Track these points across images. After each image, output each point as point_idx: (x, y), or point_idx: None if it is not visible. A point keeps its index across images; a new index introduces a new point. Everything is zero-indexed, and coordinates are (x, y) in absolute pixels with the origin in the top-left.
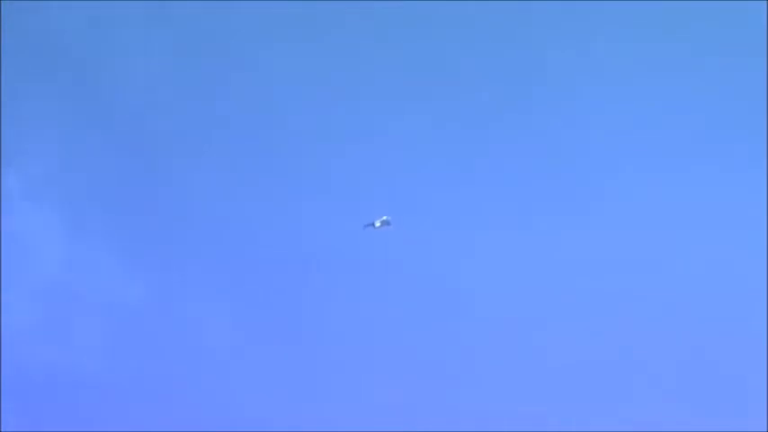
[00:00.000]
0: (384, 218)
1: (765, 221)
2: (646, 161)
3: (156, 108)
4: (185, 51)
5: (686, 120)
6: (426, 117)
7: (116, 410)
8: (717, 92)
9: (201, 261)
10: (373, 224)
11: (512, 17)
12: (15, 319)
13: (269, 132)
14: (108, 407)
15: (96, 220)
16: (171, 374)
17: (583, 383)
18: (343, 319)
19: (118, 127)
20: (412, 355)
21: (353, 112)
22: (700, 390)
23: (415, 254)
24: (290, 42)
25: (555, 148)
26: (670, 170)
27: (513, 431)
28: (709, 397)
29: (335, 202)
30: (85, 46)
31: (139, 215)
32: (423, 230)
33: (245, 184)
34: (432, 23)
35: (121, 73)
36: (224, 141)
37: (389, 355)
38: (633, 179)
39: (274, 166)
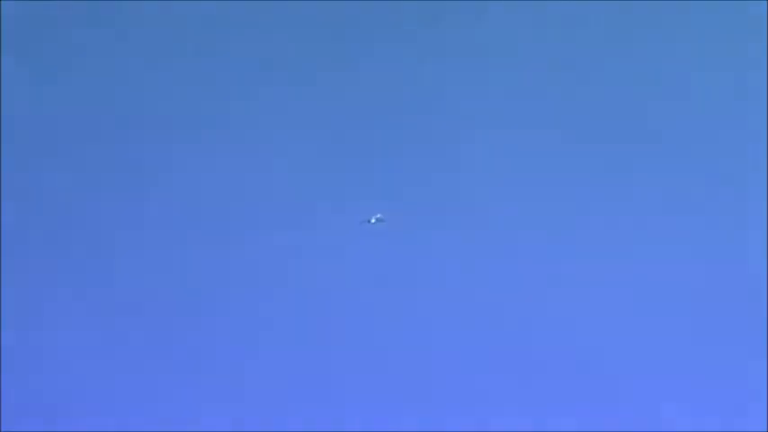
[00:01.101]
0: (378, 215)
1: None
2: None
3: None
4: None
5: (686, 120)
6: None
7: None
8: (716, 92)
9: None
10: (369, 221)
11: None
12: None
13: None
14: None
15: None
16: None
17: (581, 383)
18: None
19: None
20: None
21: None
22: (699, 389)
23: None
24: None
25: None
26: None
27: (508, 431)
28: (709, 397)
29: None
30: None
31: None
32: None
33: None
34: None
35: None
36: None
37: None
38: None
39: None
